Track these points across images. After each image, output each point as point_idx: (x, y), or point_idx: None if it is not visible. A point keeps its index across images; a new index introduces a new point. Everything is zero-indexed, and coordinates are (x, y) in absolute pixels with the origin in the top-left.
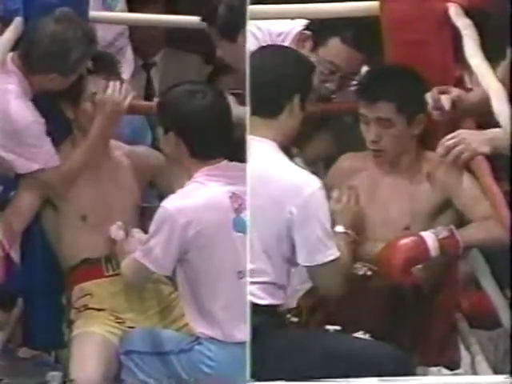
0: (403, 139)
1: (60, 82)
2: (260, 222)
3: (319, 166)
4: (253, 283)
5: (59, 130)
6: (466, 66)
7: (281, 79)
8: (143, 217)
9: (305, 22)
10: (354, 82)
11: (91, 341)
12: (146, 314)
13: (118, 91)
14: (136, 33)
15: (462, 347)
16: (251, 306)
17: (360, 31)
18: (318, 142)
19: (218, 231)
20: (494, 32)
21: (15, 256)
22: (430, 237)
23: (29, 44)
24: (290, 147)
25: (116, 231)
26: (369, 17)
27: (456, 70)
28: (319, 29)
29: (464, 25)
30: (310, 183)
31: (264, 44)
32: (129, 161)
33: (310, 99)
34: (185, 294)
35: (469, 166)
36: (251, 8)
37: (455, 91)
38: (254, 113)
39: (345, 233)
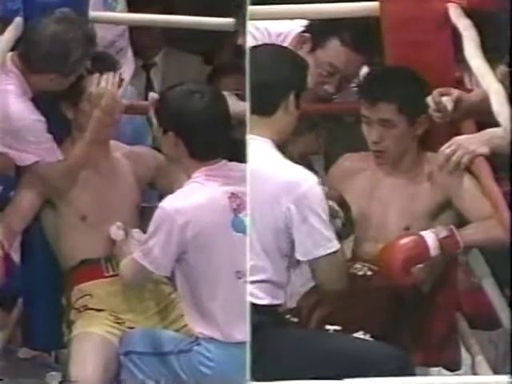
0: (405, 140)
1: (60, 82)
2: (258, 220)
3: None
4: (252, 282)
5: (59, 131)
6: (466, 67)
7: (275, 77)
8: (143, 217)
9: (304, 22)
10: (353, 84)
11: (91, 341)
12: (146, 315)
13: (110, 83)
14: (136, 34)
15: (462, 348)
16: (251, 305)
17: (359, 33)
18: (300, 139)
19: (217, 231)
20: (493, 32)
21: (15, 256)
22: (430, 236)
23: (29, 44)
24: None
25: (115, 232)
26: (367, 18)
27: (456, 70)
28: (318, 30)
29: (464, 25)
30: (306, 179)
31: None
32: (128, 161)
33: (309, 99)
34: (184, 295)
35: (469, 168)
36: (251, 8)
37: (457, 92)
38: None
39: None
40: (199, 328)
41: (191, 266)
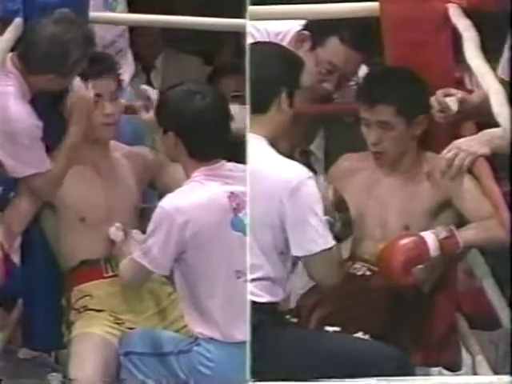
0: (404, 141)
1: (58, 82)
2: (254, 217)
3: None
4: (250, 280)
5: (58, 131)
6: (466, 67)
7: (266, 75)
8: (143, 217)
9: (303, 21)
10: (352, 82)
11: (90, 342)
12: (146, 315)
13: (82, 87)
14: (136, 35)
15: (462, 348)
16: (250, 304)
17: (358, 31)
18: (290, 135)
19: (216, 230)
20: (493, 32)
21: (15, 257)
22: (430, 237)
23: (28, 44)
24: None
25: (115, 232)
26: (367, 17)
27: (456, 70)
28: (317, 29)
29: (464, 25)
30: (298, 173)
31: None
32: (128, 162)
33: (308, 97)
34: (183, 294)
35: (470, 168)
36: (251, 9)
37: (460, 93)
38: None
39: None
40: (199, 328)
41: (190, 266)
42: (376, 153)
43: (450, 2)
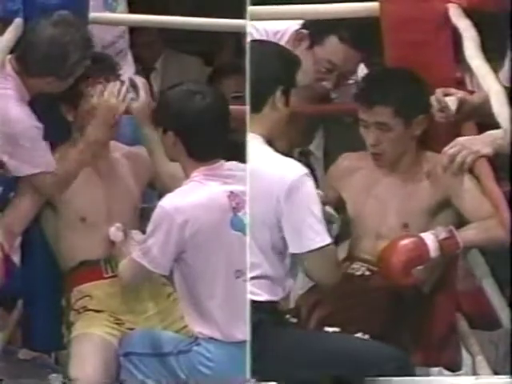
0: (402, 141)
1: (57, 85)
2: (252, 216)
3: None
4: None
5: (59, 133)
6: (467, 68)
7: (260, 73)
8: (143, 217)
9: (301, 20)
10: (351, 81)
11: (90, 342)
12: (145, 316)
13: (115, 94)
14: (135, 36)
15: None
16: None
17: (357, 29)
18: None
19: (216, 230)
20: (493, 32)
21: (15, 257)
22: (429, 238)
23: (26, 47)
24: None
25: (115, 233)
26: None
27: (456, 70)
28: (316, 27)
29: (464, 25)
30: (294, 170)
31: None
32: (128, 162)
33: (307, 96)
34: (182, 294)
35: (471, 168)
36: (251, 9)
37: (460, 93)
38: None
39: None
40: (198, 328)
41: (190, 266)
42: (375, 154)
43: (450, 1)
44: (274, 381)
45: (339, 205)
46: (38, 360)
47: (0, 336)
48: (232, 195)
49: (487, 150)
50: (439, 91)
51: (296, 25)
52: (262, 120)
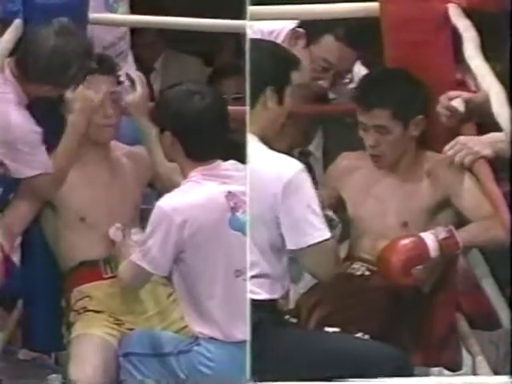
0: (401, 143)
1: (55, 92)
2: (249, 214)
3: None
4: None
5: (58, 133)
6: (468, 68)
7: (252, 71)
8: (142, 218)
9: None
10: (347, 80)
11: (90, 343)
12: (145, 316)
13: (90, 86)
14: (136, 37)
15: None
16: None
17: (353, 28)
18: (286, 134)
19: (215, 230)
20: (493, 32)
21: (15, 257)
22: (429, 238)
23: (28, 54)
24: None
25: (115, 232)
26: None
27: (456, 70)
28: (312, 26)
29: (464, 26)
30: (289, 166)
31: None
32: (129, 161)
33: (303, 95)
34: (182, 294)
35: (470, 168)
36: (251, 9)
37: (463, 94)
38: None
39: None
40: (198, 327)
41: (189, 265)
42: (374, 156)
43: (450, 1)
44: (274, 381)
45: (339, 204)
46: (38, 360)
47: (0, 336)
48: (230, 195)
49: (487, 151)
50: (443, 98)
51: (291, 24)
52: (253, 119)
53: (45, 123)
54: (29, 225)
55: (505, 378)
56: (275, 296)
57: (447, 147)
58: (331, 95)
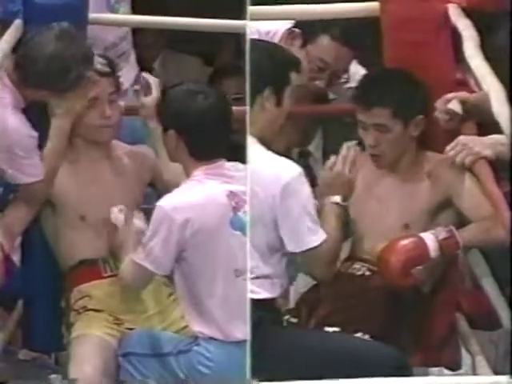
0: (401, 143)
1: (52, 97)
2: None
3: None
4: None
5: None
6: (467, 68)
7: (252, 72)
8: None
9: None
10: (343, 80)
11: (90, 343)
12: (145, 315)
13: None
14: (137, 38)
15: (462, 348)
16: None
17: (349, 28)
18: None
19: (216, 229)
20: (493, 32)
21: (15, 257)
22: (429, 238)
23: (27, 59)
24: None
25: (117, 215)
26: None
27: (456, 70)
28: (308, 26)
29: (464, 25)
30: (287, 170)
31: None
32: (129, 161)
33: (300, 95)
34: (182, 293)
35: (471, 168)
36: (251, 9)
37: (459, 95)
38: None
39: (336, 203)
40: (198, 327)
41: (190, 265)
42: (374, 155)
43: (450, 2)
44: (274, 380)
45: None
46: (38, 360)
47: (0, 336)
48: (231, 194)
49: (488, 152)
50: (439, 103)
51: (287, 24)
52: (252, 120)
53: (39, 127)
54: (29, 224)
55: (504, 378)
56: (274, 295)
57: (448, 148)
58: (331, 95)
